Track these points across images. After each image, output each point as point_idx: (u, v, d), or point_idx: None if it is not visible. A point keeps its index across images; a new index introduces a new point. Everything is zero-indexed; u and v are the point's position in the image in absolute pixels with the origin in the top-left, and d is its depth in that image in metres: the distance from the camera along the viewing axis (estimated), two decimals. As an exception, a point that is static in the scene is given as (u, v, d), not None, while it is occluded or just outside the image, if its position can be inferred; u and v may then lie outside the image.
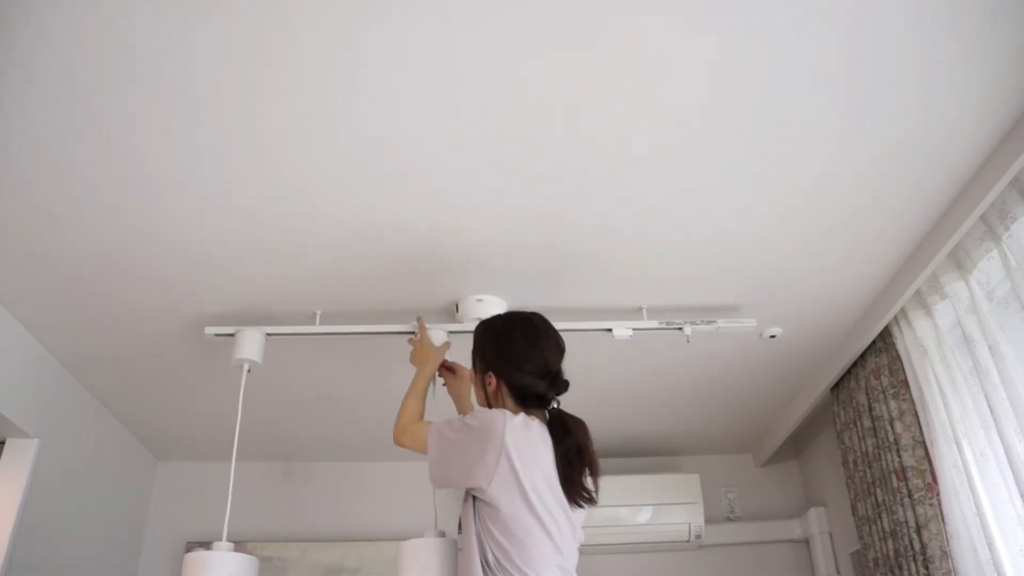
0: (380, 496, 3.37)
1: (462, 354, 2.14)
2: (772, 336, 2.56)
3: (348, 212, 1.94)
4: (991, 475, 2.04)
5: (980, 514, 2.06)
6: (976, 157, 1.85)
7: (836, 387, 2.79)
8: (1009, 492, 1.97)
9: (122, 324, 2.36)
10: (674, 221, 2.03)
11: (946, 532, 2.18)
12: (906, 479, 2.31)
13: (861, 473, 2.57)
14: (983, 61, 1.59)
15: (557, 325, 1.89)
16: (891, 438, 2.38)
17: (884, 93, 1.66)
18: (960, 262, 2.10)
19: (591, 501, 1.70)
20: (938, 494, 2.22)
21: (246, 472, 3.23)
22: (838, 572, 3.13)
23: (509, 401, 1.77)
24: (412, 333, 2.20)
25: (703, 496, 3.23)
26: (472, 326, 2.18)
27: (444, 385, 2.17)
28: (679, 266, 2.21)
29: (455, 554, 1.79)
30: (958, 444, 2.14)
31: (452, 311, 2.33)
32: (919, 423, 2.32)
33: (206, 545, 1.91)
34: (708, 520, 3.25)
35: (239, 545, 3.06)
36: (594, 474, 1.73)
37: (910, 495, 2.29)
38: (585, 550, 1.74)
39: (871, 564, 2.53)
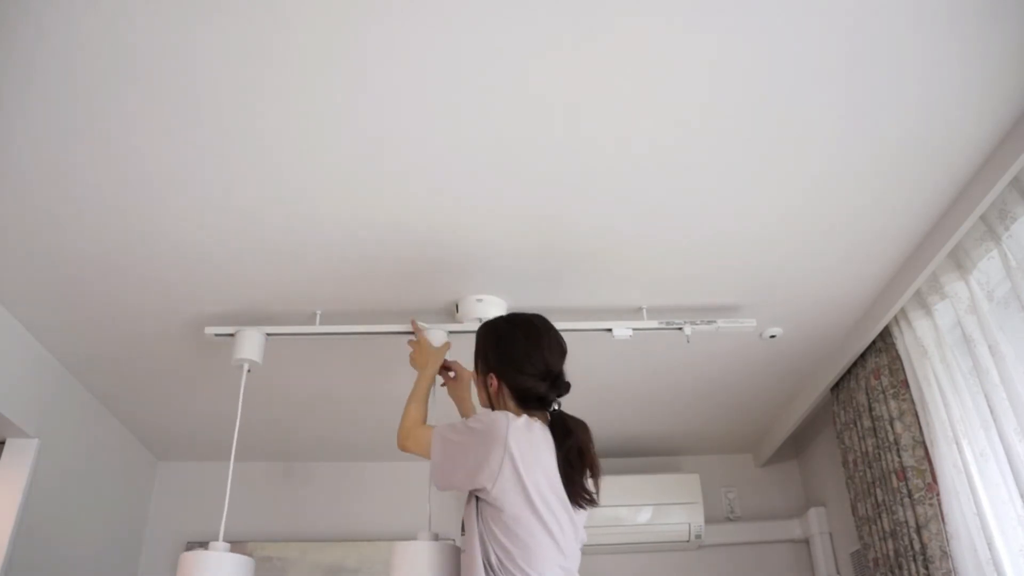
0: (380, 496, 3.37)
1: (462, 354, 2.14)
2: (772, 336, 2.56)
3: (348, 212, 1.95)
4: (991, 475, 2.04)
5: (980, 514, 2.06)
6: (976, 157, 1.85)
7: (836, 387, 2.78)
8: (1009, 492, 1.97)
9: (122, 324, 2.36)
10: (674, 221, 2.03)
11: (946, 532, 2.18)
12: (906, 479, 2.31)
13: (861, 473, 2.57)
14: (983, 61, 1.59)
15: (557, 325, 1.89)
16: (891, 438, 2.38)
17: (884, 93, 1.66)
18: (960, 262, 2.10)
19: (592, 502, 1.71)
20: (938, 494, 2.22)
21: (246, 472, 3.25)
22: (838, 572, 3.13)
23: (510, 402, 1.78)
24: (412, 334, 2.20)
25: (703, 496, 3.24)
26: (472, 326, 2.18)
27: (443, 386, 2.17)
28: (679, 266, 2.21)
29: (449, 556, 1.79)
30: (958, 444, 2.14)
31: (452, 311, 2.32)
32: (919, 423, 2.32)
33: (205, 545, 1.91)
34: (708, 520, 3.25)
35: (239, 545, 3.09)
36: (595, 476, 1.73)
37: (910, 495, 2.29)
38: (585, 550, 1.75)
39: (871, 564, 2.53)
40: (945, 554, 2.16)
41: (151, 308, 2.29)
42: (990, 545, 2.01)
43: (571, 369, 1.83)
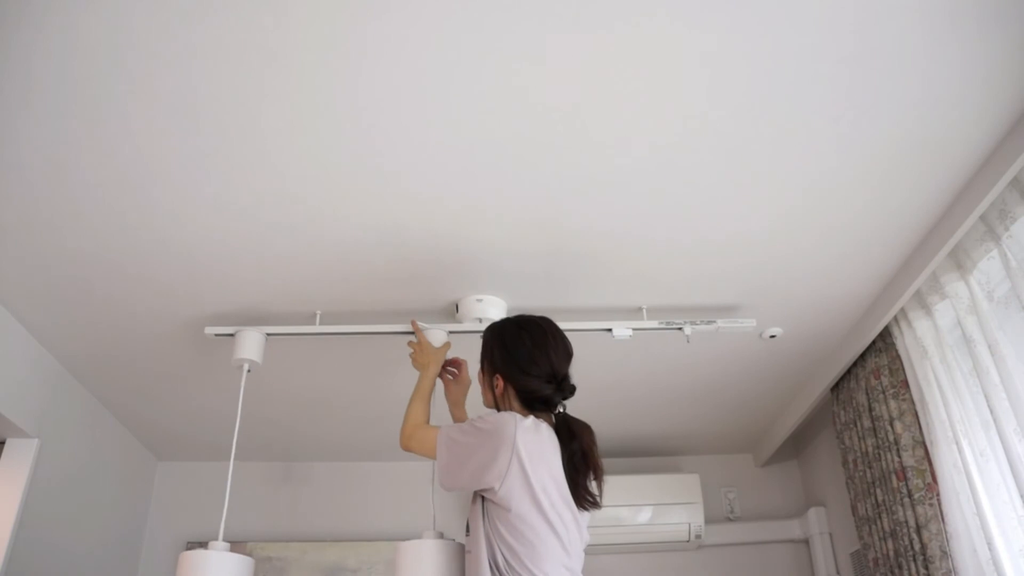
0: (380, 496, 3.37)
1: (461, 354, 2.15)
2: (772, 336, 2.56)
3: (348, 212, 1.94)
4: (991, 475, 2.04)
5: (980, 514, 2.06)
6: (976, 157, 1.85)
7: (836, 387, 2.79)
8: (1009, 492, 1.97)
9: (122, 324, 2.36)
10: (674, 221, 2.03)
11: (946, 532, 2.18)
12: (906, 479, 2.31)
13: (861, 473, 2.57)
14: (983, 61, 1.59)
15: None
16: (891, 438, 2.38)
17: (884, 93, 1.66)
18: (960, 262, 2.10)
19: (595, 504, 1.72)
20: (938, 494, 2.22)
21: (246, 472, 3.25)
22: (838, 572, 3.13)
23: (516, 404, 1.78)
24: (412, 334, 2.20)
25: (703, 496, 3.24)
26: (472, 326, 2.19)
27: (445, 387, 2.17)
28: (679, 266, 2.21)
29: (454, 555, 1.80)
30: (958, 444, 2.14)
31: (452, 311, 2.32)
32: (919, 423, 2.32)
33: (205, 545, 1.91)
34: (708, 520, 3.26)
35: (239, 545, 3.09)
36: (598, 478, 1.74)
37: (910, 495, 2.29)
38: (586, 550, 1.75)
39: (871, 564, 2.53)
40: (945, 554, 2.16)
41: (151, 308, 2.29)
42: (990, 545, 2.01)
43: (572, 369, 1.83)
